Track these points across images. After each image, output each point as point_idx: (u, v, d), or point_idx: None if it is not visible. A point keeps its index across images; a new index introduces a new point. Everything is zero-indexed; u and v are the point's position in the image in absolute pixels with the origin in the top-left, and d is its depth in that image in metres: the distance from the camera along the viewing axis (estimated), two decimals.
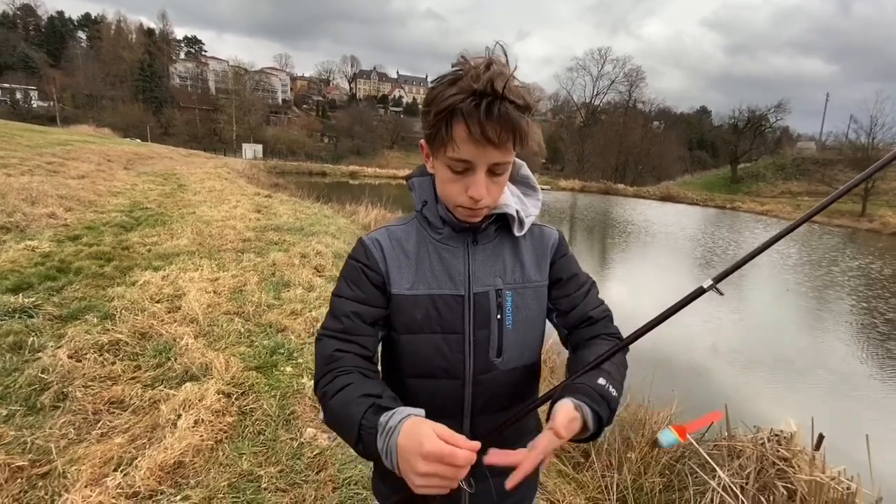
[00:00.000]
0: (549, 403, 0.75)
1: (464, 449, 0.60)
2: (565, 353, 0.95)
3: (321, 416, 0.80)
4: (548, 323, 0.94)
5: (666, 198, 37.24)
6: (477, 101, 0.67)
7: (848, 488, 2.57)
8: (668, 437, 0.82)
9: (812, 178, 37.09)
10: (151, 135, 49.49)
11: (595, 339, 0.86)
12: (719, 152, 59.25)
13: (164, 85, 64.08)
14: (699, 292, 0.66)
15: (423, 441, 0.59)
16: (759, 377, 5.41)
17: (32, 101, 54.37)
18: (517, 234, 0.86)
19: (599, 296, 0.94)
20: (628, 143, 56.60)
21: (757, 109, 49.43)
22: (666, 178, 52.26)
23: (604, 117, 62.99)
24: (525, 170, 0.93)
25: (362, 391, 0.72)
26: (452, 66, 0.72)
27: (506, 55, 0.71)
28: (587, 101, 64.38)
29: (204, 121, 62.02)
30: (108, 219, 6.75)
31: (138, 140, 37.15)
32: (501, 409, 0.87)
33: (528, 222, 0.87)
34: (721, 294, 0.66)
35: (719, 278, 0.66)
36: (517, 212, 0.85)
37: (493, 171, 0.74)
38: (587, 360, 0.78)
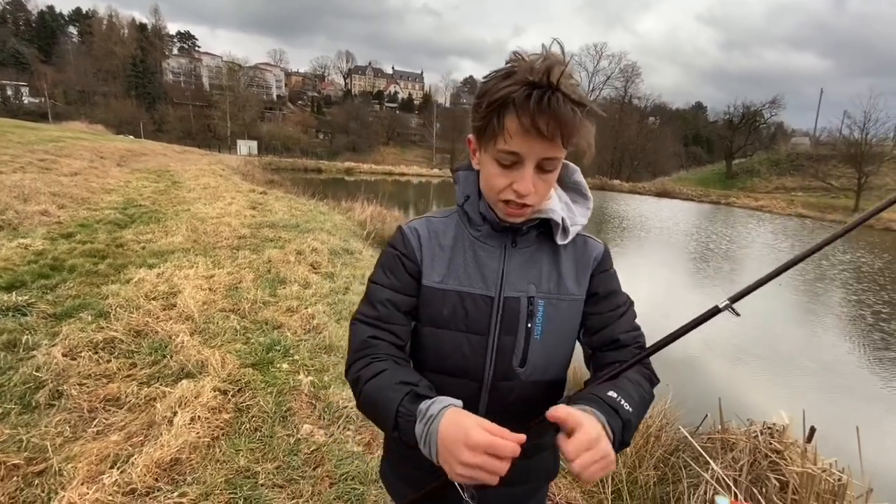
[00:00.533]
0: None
1: (509, 441, 0.60)
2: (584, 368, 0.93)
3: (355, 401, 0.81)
4: None
5: (661, 193, 37.39)
6: (530, 92, 0.66)
7: (839, 480, 2.61)
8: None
9: (806, 174, 37.32)
10: (144, 131, 49.10)
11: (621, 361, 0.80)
12: (714, 148, 59.49)
13: (157, 81, 63.52)
14: (714, 312, 0.66)
15: (470, 431, 0.59)
16: (752, 370, 5.47)
17: (24, 98, 53.74)
18: (560, 242, 0.82)
19: (637, 321, 0.89)
20: (624, 138, 56.72)
21: (752, 105, 49.67)
22: (661, 173, 52.43)
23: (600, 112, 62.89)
24: (578, 175, 0.89)
25: (399, 378, 0.72)
26: (507, 63, 0.71)
27: (562, 51, 0.70)
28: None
29: (198, 117, 61.54)
30: (102, 216, 6.70)
31: (131, 137, 36.84)
32: (518, 421, 0.83)
33: (572, 231, 0.83)
34: (737, 315, 0.66)
35: (735, 298, 0.65)
36: (563, 219, 0.82)
37: (541, 167, 0.72)
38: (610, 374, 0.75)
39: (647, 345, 0.82)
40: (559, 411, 0.63)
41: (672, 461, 3.00)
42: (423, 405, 0.66)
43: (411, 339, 0.86)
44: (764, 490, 2.63)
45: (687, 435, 2.97)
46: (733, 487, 2.58)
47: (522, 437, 0.61)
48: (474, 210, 0.83)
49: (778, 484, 2.66)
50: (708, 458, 2.73)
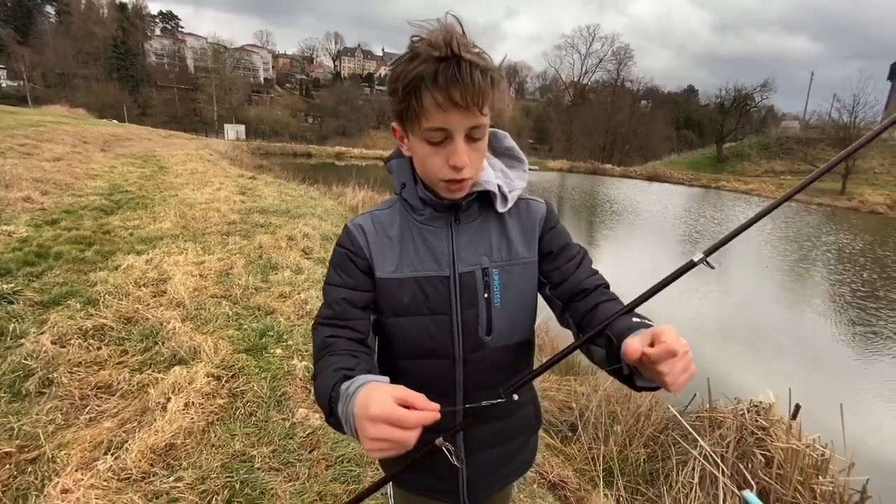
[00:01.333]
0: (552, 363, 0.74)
1: (421, 410, 0.59)
2: (555, 331, 0.95)
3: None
4: (540, 300, 0.93)
5: (652, 177, 37.52)
6: (437, 67, 0.67)
7: (822, 455, 2.69)
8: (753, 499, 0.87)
9: (795, 158, 37.61)
10: (129, 115, 47.90)
11: (598, 306, 0.82)
12: (705, 131, 59.60)
13: (140, 63, 61.70)
14: (689, 266, 0.66)
15: (370, 405, 0.58)
16: (739, 350, 5.58)
17: (1, 81, 52.02)
18: (500, 210, 0.85)
19: (593, 266, 0.92)
20: (616, 122, 56.59)
21: (743, 88, 49.60)
22: (653, 157, 52.50)
23: (592, 96, 62.69)
24: (508, 140, 0.91)
25: (338, 366, 0.72)
26: (408, 47, 0.72)
27: (460, 23, 0.71)
28: (575, 79, 63.94)
29: (183, 100, 60.11)
30: (87, 202, 6.57)
31: (115, 121, 35.92)
32: (495, 387, 0.86)
33: (512, 197, 0.86)
34: (712, 268, 0.66)
35: (710, 251, 0.66)
36: (499, 187, 0.84)
37: (470, 137, 0.74)
38: (601, 321, 0.74)
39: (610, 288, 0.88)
40: (634, 350, 0.61)
41: (661, 439, 3.07)
42: (344, 386, 0.66)
43: (379, 331, 0.88)
44: (750, 465, 2.71)
45: (676, 414, 3.04)
46: (720, 463, 2.65)
47: (436, 406, 0.61)
48: (413, 196, 0.85)
49: (763, 459, 2.73)
50: (696, 435, 2.80)
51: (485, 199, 0.85)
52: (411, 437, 0.58)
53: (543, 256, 0.89)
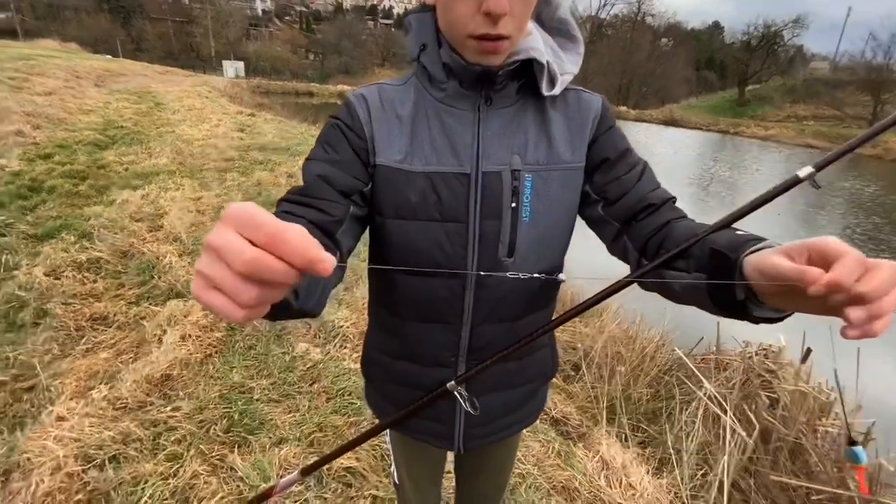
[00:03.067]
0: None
1: (285, 230, 0.32)
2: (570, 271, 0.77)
3: None
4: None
5: (669, 122, 36.02)
6: None
7: (828, 397, 2.66)
8: (862, 455, 0.76)
9: (820, 101, 35.74)
10: (123, 50, 45.86)
11: (671, 223, 0.63)
12: (728, 73, 56.41)
13: None
14: (794, 182, 0.50)
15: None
16: None
17: None
18: (546, 92, 0.65)
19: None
20: (634, 62, 53.53)
21: (773, 24, 46.27)
22: (670, 100, 50.19)
23: (610, 32, 58.95)
24: (563, 10, 0.71)
25: None
26: None
27: None
28: (593, 13, 59.83)
29: (178, 34, 57.26)
30: (81, 137, 6.35)
31: (108, 56, 34.45)
32: (509, 320, 0.73)
33: (561, 80, 0.66)
34: (818, 187, 0.50)
35: (821, 166, 0.49)
36: (548, 63, 0.64)
37: None
38: (681, 239, 0.57)
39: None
40: (789, 269, 0.41)
41: (666, 380, 3.05)
42: None
43: (377, 237, 0.72)
44: (754, 406, 2.69)
45: (682, 355, 2.99)
46: (724, 403, 2.63)
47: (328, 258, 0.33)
48: (434, 62, 0.66)
49: (768, 401, 2.71)
50: (701, 377, 2.77)
51: (525, 78, 0.66)
52: (271, 267, 0.31)
53: (596, 165, 0.70)
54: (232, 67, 44.88)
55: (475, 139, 0.66)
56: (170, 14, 58.77)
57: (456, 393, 0.63)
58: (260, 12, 72.17)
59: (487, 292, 0.70)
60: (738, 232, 0.53)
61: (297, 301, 0.47)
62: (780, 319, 0.50)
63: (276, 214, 0.58)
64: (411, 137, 0.66)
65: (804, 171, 0.49)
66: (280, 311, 0.44)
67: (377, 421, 0.90)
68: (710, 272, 0.51)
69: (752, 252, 0.47)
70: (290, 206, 0.61)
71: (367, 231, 0.74)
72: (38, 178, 4.38)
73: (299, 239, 0.31)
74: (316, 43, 66.12)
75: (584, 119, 0.69)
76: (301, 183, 0.65)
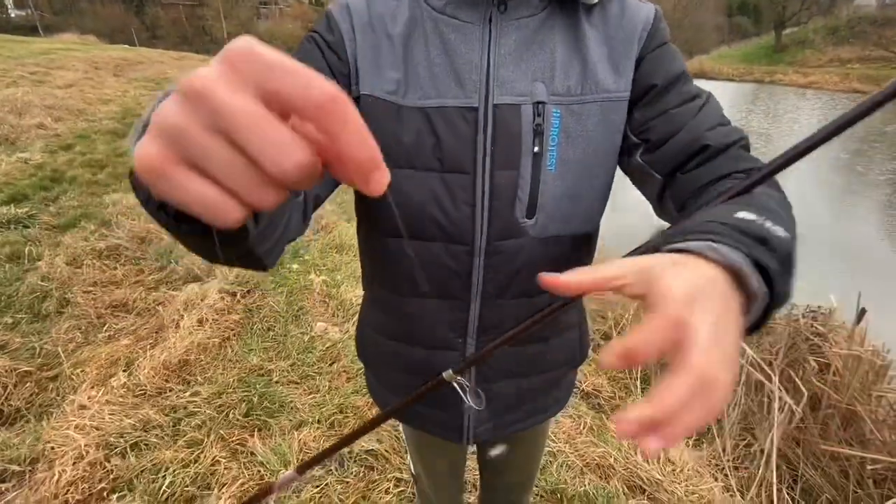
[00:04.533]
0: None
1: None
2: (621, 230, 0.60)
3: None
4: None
5: (698, 74, 34.02)
6: None
7: (883, 361, 2.46)
8: None
9: (867, 42, 32.91)
10: (139, 39, 46.23)
11: (722, 181, 0.47)
12: (763, 17, 52.54)
13: None
14: None
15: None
16: (801, 254, 5.16)
17: (10, 11, 50.57)
18: None
19: (723, 115, 0.54)
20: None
21: None
22: (700, 52, 47.31)
23: None
24: None
25: None
26: None
27: None
28: None
29: (191, 18, 57.18)
30: (100, 127, 6.44)
31: (126, 45, 34.84)
32: (528, 296, 0.58)
33: None
34: None
35: None
36: None
37: None
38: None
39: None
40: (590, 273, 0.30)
41: None
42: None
43: (363, 194, 0.57)
44: (801, 372, 2.51)
45: None
46: (767, 369, 2.47)
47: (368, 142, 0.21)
48: None
49: (817, 366, 2.52)
50: (742, 343, 2.59)
51: None
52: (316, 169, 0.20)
53: (640, 95, 0.53)
54: None
55: (485, 61, 0.51)
56: None
57: (455, 384, 0.52)
58: None
59: (501, 260, 0.56)
60: (737, 215, 0.34)
61: (255, 233, 0.33)
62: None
63: None
64: (405, 62, 0.52)
65: None
66: (234, 238, 0.30)
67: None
68: None
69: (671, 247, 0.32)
70: None
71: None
72: (60, 168, 4.44)
73: (362, 122, 0.19)
74: None
75: (629, 34, 0.53)
76: None
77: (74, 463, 1.44)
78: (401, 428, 0.92)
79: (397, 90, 0.52)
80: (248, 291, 2.51)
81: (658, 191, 0.54)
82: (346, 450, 1.58)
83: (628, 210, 2.63)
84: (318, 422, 1.71)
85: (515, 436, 0.74)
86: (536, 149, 0.52)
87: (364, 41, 0.53)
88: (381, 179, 0.20)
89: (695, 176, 0.49)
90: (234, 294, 2.45)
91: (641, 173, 0.55)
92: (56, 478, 1.39)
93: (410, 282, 0.61)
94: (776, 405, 2.32)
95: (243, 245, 0.32)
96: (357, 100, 0.53)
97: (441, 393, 0.65)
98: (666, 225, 0.46)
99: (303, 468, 0.65)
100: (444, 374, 0.52)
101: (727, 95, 22.69)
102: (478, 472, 0.98)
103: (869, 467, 2.12)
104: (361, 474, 1.51)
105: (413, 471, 0.94)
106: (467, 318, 0.60)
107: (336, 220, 3.52)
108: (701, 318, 0.24)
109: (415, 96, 0.52)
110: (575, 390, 2.27)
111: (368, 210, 0.61)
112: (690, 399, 0.23)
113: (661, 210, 0.56)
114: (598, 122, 0.53)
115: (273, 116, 0.18)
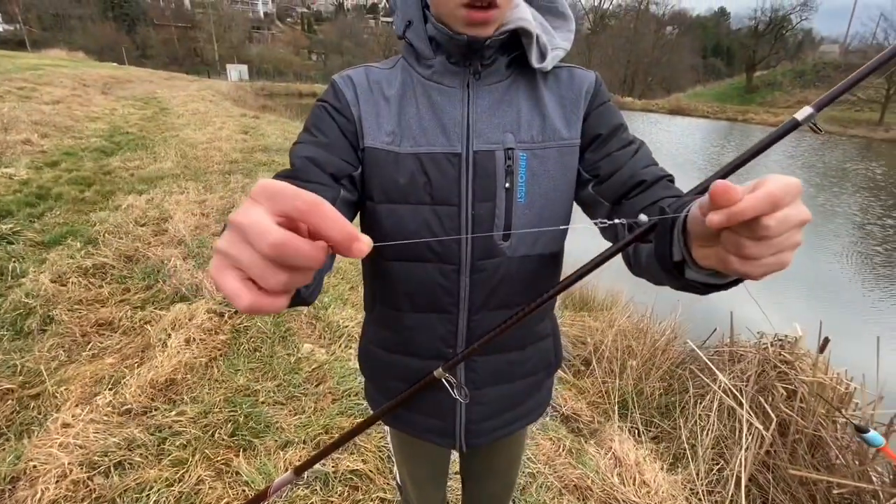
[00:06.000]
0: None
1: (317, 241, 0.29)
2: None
3: None
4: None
5: (675, 111, 35.60)
6: None
7: (848, 388, 2.58)
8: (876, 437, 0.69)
9: (831, 85, 34.91)
10: (128, 57, 46.34)
11: (663, 202, 0.58)
12: (735, 59, 55.58)
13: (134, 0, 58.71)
14: (791, 126, 0.45)
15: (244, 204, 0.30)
16: (766, 285, 5.38)
17: None
18: (537, 64, 0.63)
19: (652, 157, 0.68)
20: (638, 51, 52.91)
21: (780, 9, 45.47)
22: (676, 89, 49.55)
23: (613, 23, 58.26)
24: None
25: None
26: None
27: None
28: (595, 3, 59.15)
29: (182, 40, 57.70)
30: (87, 144, 6.41)
31: (115, 64, 34.83)
32: (509, 308, 0.70)
33: (553, 57, 0.65)
34: (819, 131, 0.45)
35: (822, 104, 0.45)
36: (538, 37, 0.62)
37: None
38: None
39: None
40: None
41: (678, 373, 2.99)
42: None
43: (368, 222, 0.70)
44: (771, 399, 2.62)
45: (694, 347, 2.93)
46: (739, 396, 2.57)
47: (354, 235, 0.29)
48: (420, 37, 0.64)
49: (785, 392, 2.64)
50: (715, 369, 2.70)
51: (515, 51, 0.65)
52: (299, 248, 0.28)
53: (588, 142, 0.67)
54: (235, 71, 45.14)
55: (465, 117, 0.64)
56: (173, 20, 59.21)
57: (444, 380, 0.61)
58: (262, 15, 72.51)
59: (483, 277, 0.68)
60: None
61: (304, 288, 0.45)
62: (724, 286, 0.45)
63: None
64: (399, 118, 0.65)
65: (802, 114, 0.45)
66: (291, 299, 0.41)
67: (381, 424, 0.88)
68: (657, 234, 0.46)
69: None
70: None
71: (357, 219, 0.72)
72: (46, 185, 4.41)
73: (337, 213, 0.29)
74: (318, 43, 66.28)
75: (577, 95, 0.67)
76: (289, 167, 0.63)
77: (57, 481, 1.43)
78: (388, 438, 0.98)
79: (393, 140, 0.64)
80: (236, 312, 2.54)
81: (605, 215, 0.67)
82: (330, 469, 1.61)
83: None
84: (304, 442, 1.73)
85: (497, 443, 0.82)
86: (508, 185, 0.64)
87: (366, 104, 0.65)
88: (360, 247, 0.29)
89: (637, 201, 0.62)
90: (221, 314, 2.47)
91: (593, 202, 0.69)
92: (38, 496, 1.38)
93: (408, 298, 0.70)
94: (746, 431, 2.41)
95: (296, 299, 0.48)
96: (363, 150, 0.65)
97: (436, 402, 0.74)
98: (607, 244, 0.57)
99: (300, 469, 0.71)
100: (435, 372, 0.61)
101: (703, 132, 23.76)
102: (461, 484, 1.04)
103: (835, 491, 2.21)
104: (346, 494, 1.53)
105: (398, 480, 1.00)
106: (456, 330, 0.71)
107: None
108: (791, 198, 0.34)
109: (408, 144, 0.64)
110: (555, 414, 2.34)
111: (371, 234, 0.70)
112: (776, 225, 0.33)
113: (605, 230, 0.67)
114: (556, 163, 0.66)
115: (272, 223, 0.28)
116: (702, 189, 0.48)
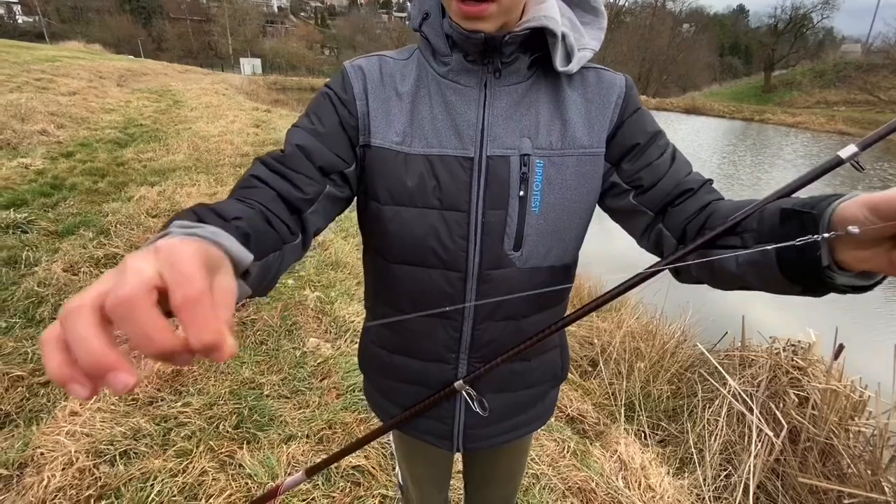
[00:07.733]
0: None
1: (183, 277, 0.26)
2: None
3: None
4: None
5: (690, 110, 35.05)
6: None
7: (862, 396, 2.52)
8: None
9: (852, 86, 34.21)
10: (144, 50, 46.90)
11: (713, 204, 0.58)
12: (753, 58, 54.60)
13: None
14: (836, 163, 0.43)
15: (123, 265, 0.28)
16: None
17: (17, 17, 51.16)
18: (561, 67, 0.58)
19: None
20: (654, 49, 52.18)
21: (801, 7, 44.49)
22: (692, 88, 48.88)
23: (629, 20, 57.52)
24: None
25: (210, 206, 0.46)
26: None
27: None
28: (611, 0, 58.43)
29: (197, 33, 58.20)
30: (102, 135, 6.49)
31: (131, 56, 35.26)
32: (515, 319, 0.67)
33: (579, 58, 0.60)
34: (861, 169, 0.43)
35: (867, 144, 0.42)
36: (564, 35, 0.58)
37: None
38: (727, 215, 0.52)
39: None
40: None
41: (687, 377, 2.95)
42: (177, 225, 0.36)
43: (373, 224, 0.67)
44: (782, 405, 2.57)
45: (704, 351, 2.88)
46: (749, 401, 2.52)
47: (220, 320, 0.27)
48: (437, 32, 0.60)
49: (797, 399, 2.58)
50: (725, 374, 2.65)
51: (538, 52, 0.60)
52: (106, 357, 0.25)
53: (626, 152, 0.63)
54: (249, 64, 45.45)
55: (480, 119, 0.60)
56: (188, 13, 59.74)
57: (464, 393, 0.60)
58: (276, 9, 72.86)
59: (490, 287, 0.64)
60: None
61: (248, 285, 0.41)
62: (869, 287, 0.43)
63: (246, 178, 0.56)
64: (411, 116, 0.61)
65: (846, 151, 0.42)
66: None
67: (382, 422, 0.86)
68: (782, 238, 0.43)
69: (839, 203, 0.41)
70: (264, 172, 0.57)
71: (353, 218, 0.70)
72: (60, 175, 4.47)
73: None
74: (331, 38, 66.42)
75: (605, 100, 0.63)
76: (283, 147, 0.61)
77: (63, 469, 1.45)
78: (390, 437, 0.97)
79: (403, 140, 0.61)
80: (243, 305, 2.55)
81: (647, 224, 0.64)
82: (333, 466, 1.60)
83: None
84: (307, 436, 1.73)
85: (500, 448, 0.81)
86: (522, 193, 0.61)
87: (375, 100, 0.62)
88: (220, 356, 0.27)
89: (683, 208, 0.60)
90: None
91: (633, 211, 0.65)
92: (44, 483, 1.40)
93: (411, 302, 0.68)
94: (756, 437, 2.36)
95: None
96: (368, 148, 0.62)
97: (437, 404, 0.72)
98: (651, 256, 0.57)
99: (311, 471, 0.70)
100: (456, 385, 0.60)
101: (718, 132, 23.39)
102: (463, 493, 1.02)
103: (846, 501, 2.16)
104: (348, 489, 1.53)
105: (400, 481, 0.99)
106: (460, 337, 0.68)
107: (333, 237, 3.58)
108: None
109: (419, 145, 0.61)
110: (560, 415, 2.31)
111: (374, 237, 0.68)
112: None
113: (644, 239, 0.66)
114: (575, 173, 0.62)
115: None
116: (772, 199, 0.48)
